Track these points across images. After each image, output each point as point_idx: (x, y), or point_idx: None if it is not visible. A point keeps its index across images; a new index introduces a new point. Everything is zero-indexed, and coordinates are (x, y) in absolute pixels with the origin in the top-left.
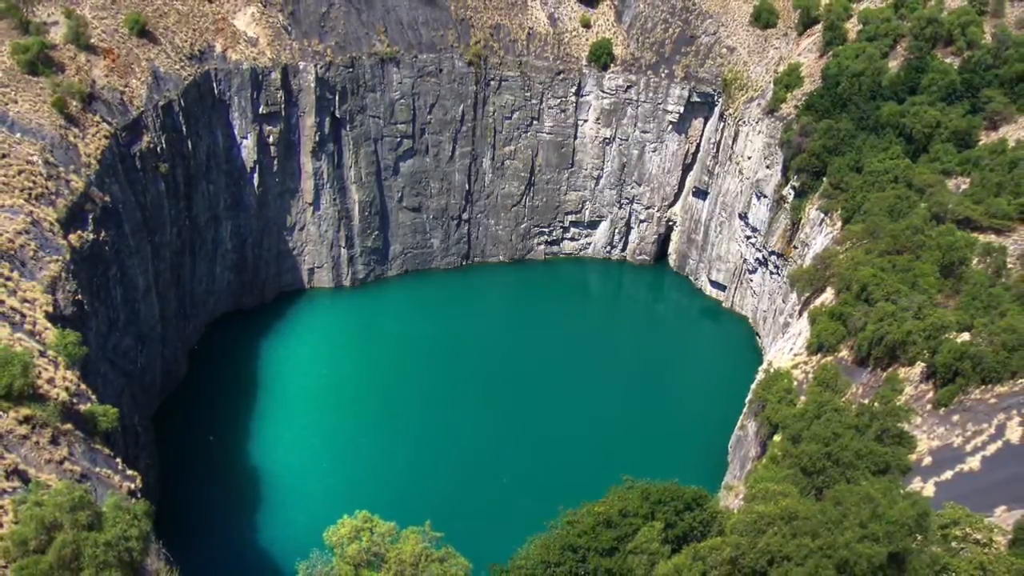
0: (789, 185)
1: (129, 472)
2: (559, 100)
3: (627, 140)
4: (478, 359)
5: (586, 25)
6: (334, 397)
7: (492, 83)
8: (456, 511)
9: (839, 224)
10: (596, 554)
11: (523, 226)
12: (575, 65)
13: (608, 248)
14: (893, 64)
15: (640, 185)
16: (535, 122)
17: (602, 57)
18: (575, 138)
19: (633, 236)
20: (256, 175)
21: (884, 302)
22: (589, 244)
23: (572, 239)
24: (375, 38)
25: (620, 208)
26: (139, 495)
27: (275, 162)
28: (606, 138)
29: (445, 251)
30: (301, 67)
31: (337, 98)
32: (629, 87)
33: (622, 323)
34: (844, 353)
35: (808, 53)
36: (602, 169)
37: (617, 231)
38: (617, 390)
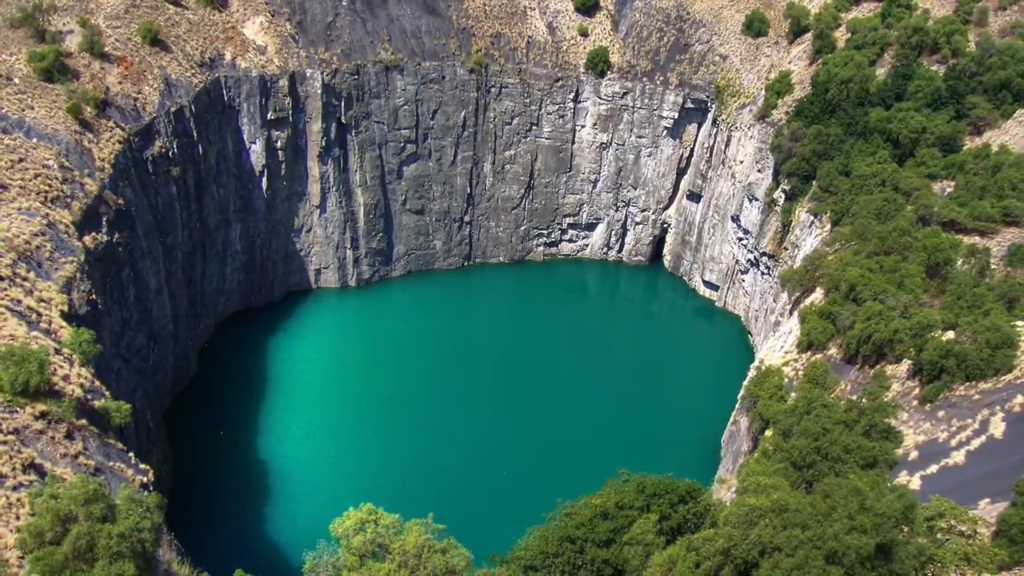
0: (780, 188)
1: (142, 466)
2: (557, 106)
3: (623, 145)
4: (479, 357)
5: (583, 34)
6: (340, 393)
7: (493, 90)
8: (458, 503)
9: (828, 226)
10: (593, 545)
11: (523, 228)
12: (573, 72)
13: (605, 249)
14: (880, 71)
15: (636, 188)
16: (534, 127)
17: (599, 65)
18: (573, 143)
19: (629, 238)
20: (264, 179)
21: (872, 301)
22: (587, 246)
23: (570, 241)
24: (380, 46)
25: (616, 211)
26: (151, 488)
27: (283, 166)
28: (603, 143)
29: (447, 252)
30: (308, 74)
31: (343, 104)
32: (625, 94)
33: (618, 322)
34: (833, 351)
35: (798, 61)
36: (599, 173)
37: (614, 233)
38: (613, 387)
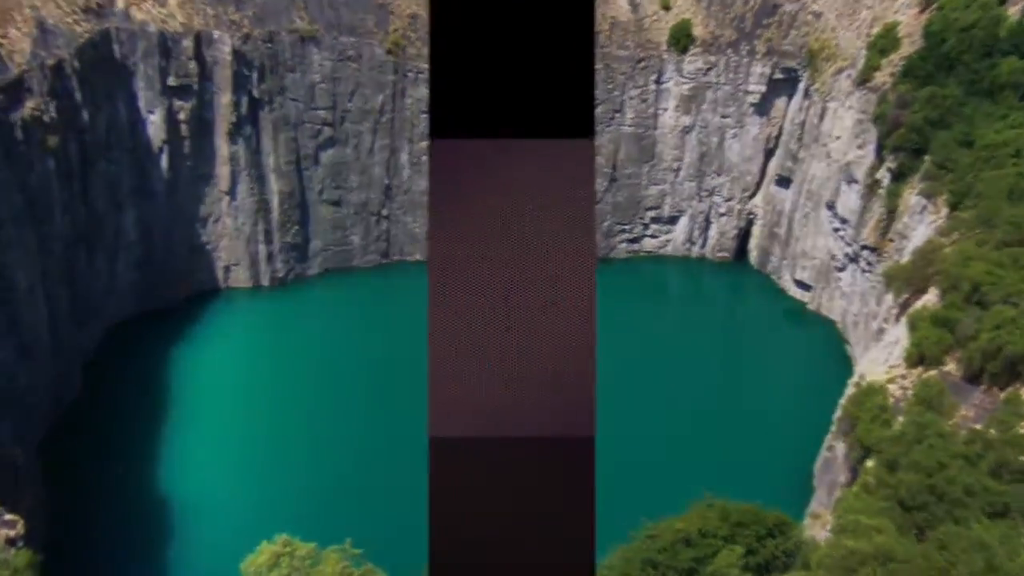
0: (884, 167)
1: (8, 517)
2: (640, 90)
3: (706, 127)
4: (416, 364)
5: (666, 8)
6: (252, 409)
7: (410, 74)
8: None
9: (944, 211)
10: (675, 573)
11: (605, 224)
12: (655, 52)
13: (688, 245)
14: (1014, 10)
15: (720, 175)
16: (617, 115)
17: (681, 40)
18: (655, 129)
19: (712, 231)
20: (165, 156)
21: (1002, 305)
22: (668, 241)
23: (652, 236)
24: (295, 14)
25: (699, 201)
26: (20, 544)
27: (187, 142)
28: (686, 126)
29: (364, 249)
30: (216, 36)
31: (256, 75)
32: (709, 69)
33: (698, 326)
34: (951, 367)
35: (906, 9)
36: (682, 160)
37: (697, 226)
38: (692, 397)
